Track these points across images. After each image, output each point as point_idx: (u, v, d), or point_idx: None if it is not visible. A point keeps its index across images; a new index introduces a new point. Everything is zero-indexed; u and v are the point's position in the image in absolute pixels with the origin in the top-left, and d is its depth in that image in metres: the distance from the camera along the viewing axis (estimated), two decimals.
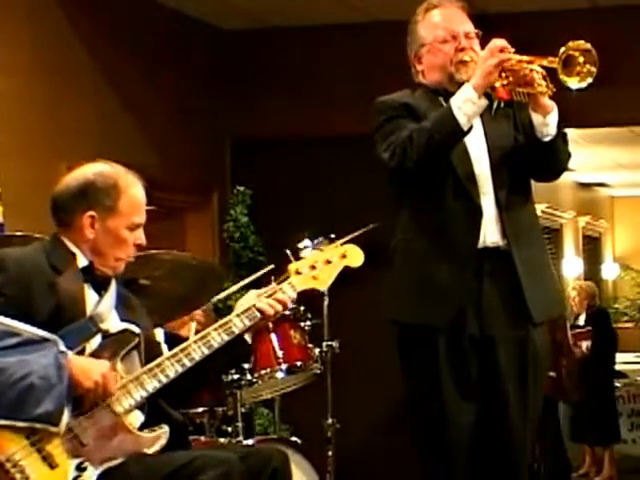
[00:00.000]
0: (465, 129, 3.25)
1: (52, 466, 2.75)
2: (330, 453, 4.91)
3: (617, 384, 8.50)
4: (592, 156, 10.75)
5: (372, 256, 3.17)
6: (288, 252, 3.13)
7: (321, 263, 3.08)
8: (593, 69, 3.15)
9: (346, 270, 3.11)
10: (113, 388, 2.83)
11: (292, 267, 3.08)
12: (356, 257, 3.10)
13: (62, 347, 2.80)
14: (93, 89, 5.85)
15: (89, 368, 2.80)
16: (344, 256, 3.10)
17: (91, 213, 2.96)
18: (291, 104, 6.88)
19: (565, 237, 12.60)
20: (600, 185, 13.84)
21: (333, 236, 3.21)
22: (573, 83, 3.16)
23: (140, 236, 3.03)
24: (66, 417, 2.74)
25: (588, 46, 3.16)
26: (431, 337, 3.34)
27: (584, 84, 3.17)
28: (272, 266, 3.92)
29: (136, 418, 2.92)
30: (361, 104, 3.70)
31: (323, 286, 3.09)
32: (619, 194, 14.59)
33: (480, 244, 3.33)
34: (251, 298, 3.06)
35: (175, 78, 6.52)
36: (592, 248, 14.07)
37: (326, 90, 6.84)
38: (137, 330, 2.96)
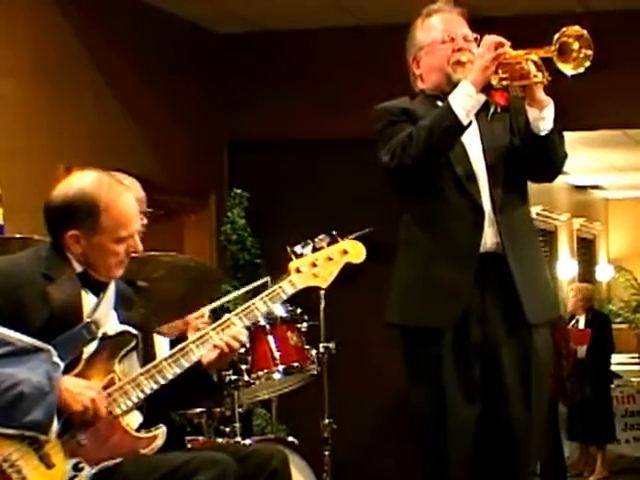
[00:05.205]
0: (464, 123, 3.26)
1: (49, 466, 2.76)
2: (327, 453, 4.92)
3: (612, 385, 8.54)
4: (587, 159, 10.77)
5: (373, 252, 3.11)
6: (289, 249, 3.06)
7: (322, 260, 3.03)
8: (589, 52, 3.15)
9: (346, 268, 3.07)
10: (103, 412, 2.82)
11: (292, 265, 3.03)
12: (358, 253, 3.06)
13: (55, 358, 2.79)
14: (92, 92, 5.87)
15: (78, 392, 2.79)
16: (345, 252, 3.05)
17: (73, 232, 2.91)
18: (288, 107, 6.90)
19: (560, 239, 12.61)
20: (594, 187, 13.86)
21: (335, 232, 3.11)
22: (569, 69, 3.17)
23: (133, 244, 2.96)
24: (55, 426, 2.75)
25: (582, 31, 3.16)
26: (435, 339, 3.34)
27: (581, 69, 3.17)
28: (267, 278, 3.91)
29: (135, 419, 2.93)
30: (357, 107, 3.73)
31: (324, 284, 3.05)
32: (613, 196, 14.61)
33: (481, 246, 3.35)
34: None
35: (173, 81, 6.54)
36: (586, 250, 14.08)
37: (323, 93, 6.86)
38: (135, 332, 2.97)
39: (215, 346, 2.97)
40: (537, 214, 11.05)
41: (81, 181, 2.95)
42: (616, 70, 6.14)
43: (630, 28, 6.43)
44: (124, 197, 2.95)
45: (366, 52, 6.71)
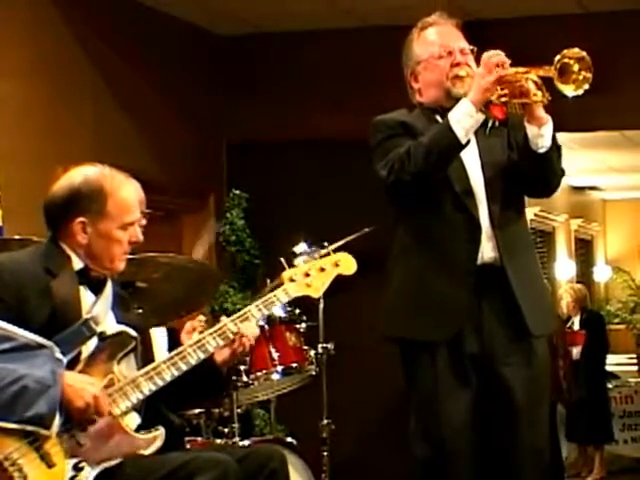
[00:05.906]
0: (463, 142, 3.26)
1: (49, 465, 2.77)
2: (325, 453, 4.95)
3: (609, 385, 8.56)
4: (584, 160, 10.78)
5: (365, 264, 3.23)
6: (282, 260, 3.17)
7: (315, 271, 3.15)
8: (589, 75, 3.16)
9: (339, 277, 3.18)
10: (105, 410, 2.83)
11: (286, 274, 3.13)
12: (349, 265, 3.17)
13: (58, 354, 2.81)
14: (92, 93, 5.87)
15: (81, 387, 2.81)
16: (337, 264, 3.16)
17: (81, 219, 2.96)
18: (287, 108, 6.91)
19: (558, 240, 12.64)
20: (592, 188, 13.88)
21: (326, 244, 3.26)
22: (569, 91, 3.17)
23: (134, 233, 3.03)
24: (58, 421, 2.75)
25: (582, 53, 3.17)
26: (432, 351, 3.35)
27: (580, 91, 3.18)
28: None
29: (133, 420, 2.95)
30: (357, 108, 3.73)
31: (316, 294, 3.16)
32: (611, 197, 14.63)
33: (478, 260, 3.35)
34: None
35: (173, 83, 6.54)
36: (584, 251, 14.11)
37: (322, 94, 6.86)
38: (133, 333, 2.98)
39: (231, 342, 3.03)
40: (535, 215, 11.07)
41: (84, 172, 3.02)
42: (614, 71, 6.15)
43: (629, 29, 6.44)
44: (127, 184, 3.04)
45: (366, 53, 6.71)
